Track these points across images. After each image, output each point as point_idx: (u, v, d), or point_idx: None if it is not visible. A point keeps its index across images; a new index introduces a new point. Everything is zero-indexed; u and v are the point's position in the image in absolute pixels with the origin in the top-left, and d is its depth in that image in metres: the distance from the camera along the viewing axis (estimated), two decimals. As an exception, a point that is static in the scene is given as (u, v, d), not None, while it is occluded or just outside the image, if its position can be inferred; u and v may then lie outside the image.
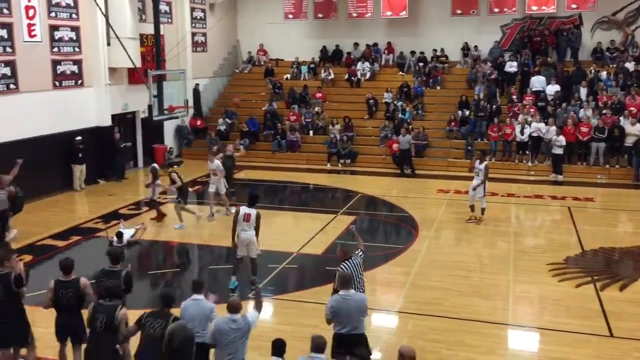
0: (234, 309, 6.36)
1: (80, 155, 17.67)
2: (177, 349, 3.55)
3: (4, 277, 6.98)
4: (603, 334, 8.71)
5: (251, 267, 10.37)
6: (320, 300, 9.83)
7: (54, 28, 17.37)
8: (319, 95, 24.18)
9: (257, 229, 10.18)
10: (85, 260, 12.38)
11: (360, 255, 7.94)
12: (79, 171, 17.80)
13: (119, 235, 12.67)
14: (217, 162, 14.80)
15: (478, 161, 14.20)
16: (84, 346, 6.93)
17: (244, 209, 10.18)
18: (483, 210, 14.24)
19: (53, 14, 17.30)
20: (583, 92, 21.37)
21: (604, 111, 20.13)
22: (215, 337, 6.23)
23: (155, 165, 15.35)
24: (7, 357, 7.27)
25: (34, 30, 16.62)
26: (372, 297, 10.41)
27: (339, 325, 6.83)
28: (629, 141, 19.06)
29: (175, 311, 6.32)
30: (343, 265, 7.61)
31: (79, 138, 17.66)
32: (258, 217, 10.16)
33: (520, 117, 20.47)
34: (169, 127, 22.45)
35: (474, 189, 14.10)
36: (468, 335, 8.67)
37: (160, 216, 14.64)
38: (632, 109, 19.97)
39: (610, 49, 23.20)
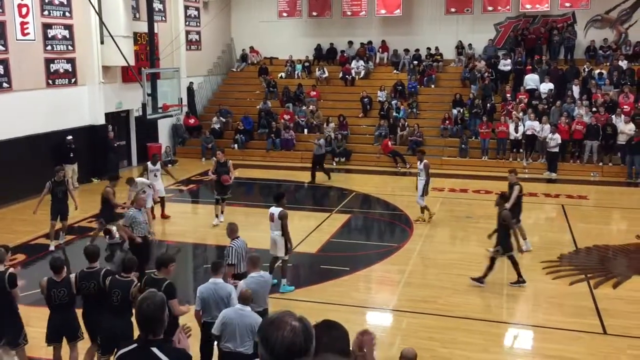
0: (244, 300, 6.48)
1: (71, 155, 17.59)
2: (146, 316, 3.61)
3: None
4: (596, 332, 8.76)
5: (281, 268, 10.33)
6: (316, 299, 9.89)
7: (47, 26, 17.30)
8: (313, 93, 24.17)
9: (283, 228, 9.99)
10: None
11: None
12: (71, 170, 17.71)
13: (107, 232, 12.58)
14: (141, 180, 13.63)
15: (418, 162, 14.13)
16: (80, 344, 6.95)
17: (271, 209, 10.16)
18: (423, 209, 14.16)
19: (46, 12, 17.23)
20: (576, 90, 21.46)
21: (594, 109, 20.26)
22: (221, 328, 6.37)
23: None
24: None
25: (27, 28, 16.55)
26: (367, 296, 10.48)
27: (255, 305, 6.91)
28: (622, 139, 19.16)
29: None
30: (233, 244, 8.32)
31: (69, 137, 17.56)
32: (281, 216, 9.97)
33: (514, 115, 20.55)
34: (163, 126, 22.39)
35: (417, 189, 13.98)
36: (462, 333, 8.70)
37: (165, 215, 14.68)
38: (625, 107, 20.08)
39: (603, 47, 23.28)
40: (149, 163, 14.64)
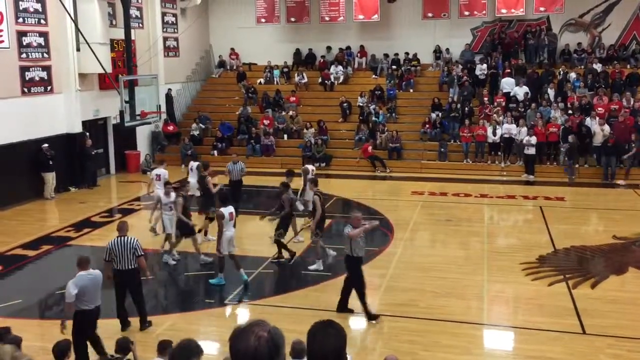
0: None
1: (51, 163, 17.33)
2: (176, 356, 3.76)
3: None
4: (576, 332, 8.85)
5: (235, 263, 10.66)
6: (297, 305, 9.86)
7: (21, 34, 17.06)
8: (292, 99, 24.17)
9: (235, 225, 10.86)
10: (57, 270, 12.21)
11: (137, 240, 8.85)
12: (51, 178, 17.43)
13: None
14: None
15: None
16: None
17: (227, 210, 10.55)
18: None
19: (21, 20, 16.99)
20: (551, 93, 21.75)
21: (569, 112, 20.56)
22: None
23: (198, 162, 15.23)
24: None
25: (1, 36, 16.31)
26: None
27: (86, 302, 7.46)
28: (597, 141, 19.43)
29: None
30: (112, 241, 8.73)
31: (45, 145, 17.28)
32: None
33: (494, 118, 20.76)
34: (142, 133, 22.20)
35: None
36: (444, 335, 8.74)
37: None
38: (599, 109, 20.39)
39: (577, 50, 23.65)
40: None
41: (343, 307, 9.35)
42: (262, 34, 26.41)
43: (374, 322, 9.16)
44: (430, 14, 24.65)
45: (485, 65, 23.36)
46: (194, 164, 15.20)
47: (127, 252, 8.62)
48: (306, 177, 13.86)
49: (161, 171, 14.09)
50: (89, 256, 8.11)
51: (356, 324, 9.49)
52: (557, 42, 23.90)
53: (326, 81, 24.84)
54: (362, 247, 9.28)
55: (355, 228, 9.09)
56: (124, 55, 19.15)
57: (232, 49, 26.83)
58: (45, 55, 17.92)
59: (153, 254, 12.94)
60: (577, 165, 19.73)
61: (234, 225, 10.91)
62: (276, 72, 25.78)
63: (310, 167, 14.65)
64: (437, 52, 24.95)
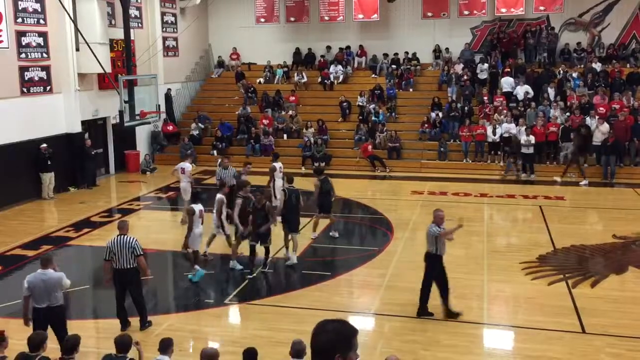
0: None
1: (49, 163, 17.30)
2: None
3: None
4: (576, 331, 8.85)
5: (196, 258, 11.02)
6: (298, 305, 9.86)
7: (21, 34, 17.04)
8: (292, 98, 24.16)
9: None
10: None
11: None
12: (48, 179, 17.39)
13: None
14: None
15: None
16: None
17: (198, 207, 10.92)
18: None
19: (20, 20, 16.97)
20: (551, 92, 21.75)
21: (567, 113, 20.55)
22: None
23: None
24: None
25: (0, 36, 16.29)
26: (349, 300, 10.47)
27: (39, 300, 7.54)
28: (597, 140, 19.42)
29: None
30: (111, 239, 8.78)
31: (44, 145, 17.27)
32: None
33: (495, 117, 20.74)
34: (142, 133, 22.20)
35: None
36: (444, 335, 8.74)
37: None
38: (600, 109, 20.38)
39: (577, 49, 23.66)
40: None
41: (448, 310, 9.24)
42: (262, 33, 26.41)
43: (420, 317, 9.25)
44: (429, 14, 24.66)
45: (486, 65, 23.37)
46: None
47: (126, 251, 8.64)
48: (273, 175, 14.25)
49: (186, 165, 14.72)
50: (52, 257, 8.21)
51: (358, 323, 9.48)
52: (557, 41, 23.93)
53: (326, 81, 24.83)
54: (445, 245, 9.32)
55: (437, 225, 9.10)
56: (124, 55, 19.14)
57: (234, 49, 26.82)
58: (45, 55, 17.90)
59: (156, 254, 12.96)
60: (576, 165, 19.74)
61: (202, 223, 11.11)
62: (279, 72, 25.75)
63: (277, 164, 14.78)
64: (437, 51, 24.95)
